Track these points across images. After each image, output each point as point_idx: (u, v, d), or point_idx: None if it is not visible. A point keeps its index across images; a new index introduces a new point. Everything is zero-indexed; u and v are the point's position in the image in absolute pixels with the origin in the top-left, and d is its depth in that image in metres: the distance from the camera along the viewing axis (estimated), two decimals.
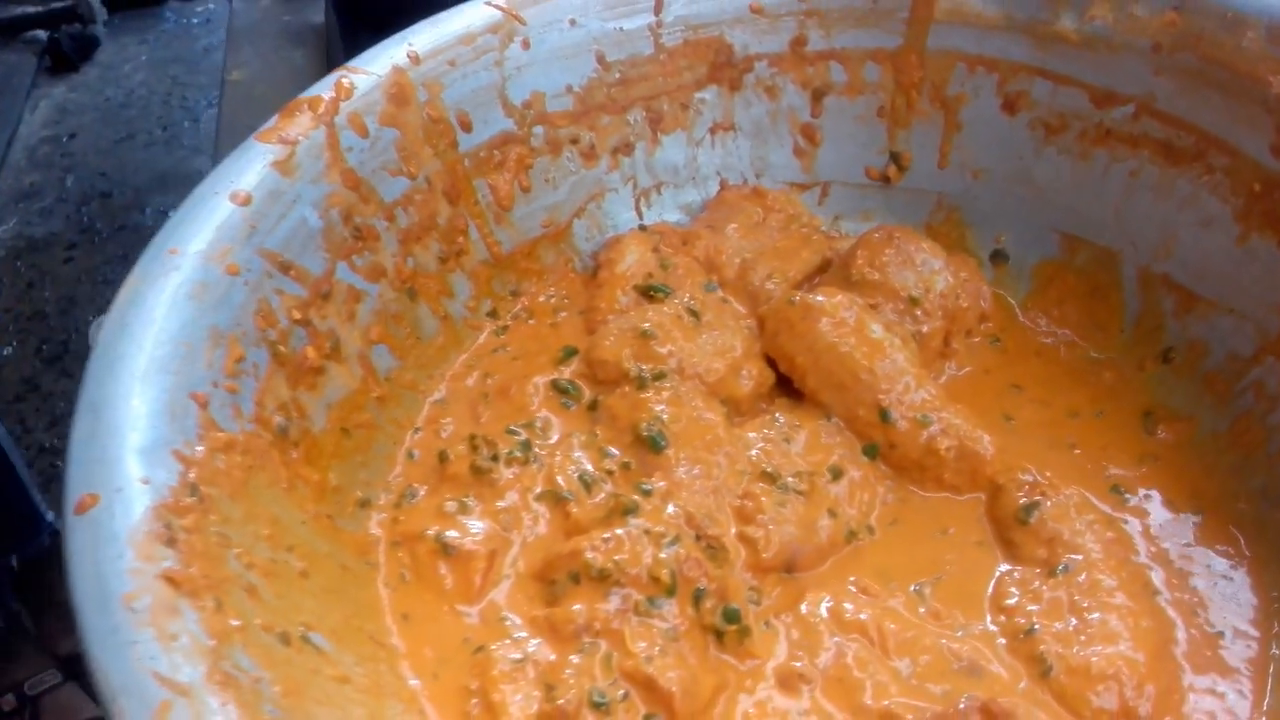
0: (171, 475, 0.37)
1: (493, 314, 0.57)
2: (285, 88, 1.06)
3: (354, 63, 0.53)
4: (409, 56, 0.54)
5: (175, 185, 3.07)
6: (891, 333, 0.51)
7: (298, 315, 0.47)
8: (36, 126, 3.38)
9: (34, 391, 2.50)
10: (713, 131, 0.61)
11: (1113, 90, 0.54)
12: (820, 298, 0.52)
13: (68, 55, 3.75)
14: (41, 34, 3.83)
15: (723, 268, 0.57)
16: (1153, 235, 0.54)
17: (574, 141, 0.59)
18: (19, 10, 3.77)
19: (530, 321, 0.57)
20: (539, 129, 0.58)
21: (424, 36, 0.54)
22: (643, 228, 0.60)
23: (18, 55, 3.66)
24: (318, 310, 0.48)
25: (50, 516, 1.65)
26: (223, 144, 0.99)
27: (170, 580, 0.34)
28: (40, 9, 3.81)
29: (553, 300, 0.58)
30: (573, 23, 0.57)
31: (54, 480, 2.23)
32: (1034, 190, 0.58)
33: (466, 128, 0.55)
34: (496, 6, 0.56)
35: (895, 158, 0.61)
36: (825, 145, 0.62)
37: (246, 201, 0.46)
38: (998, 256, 0.59)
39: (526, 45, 0.56)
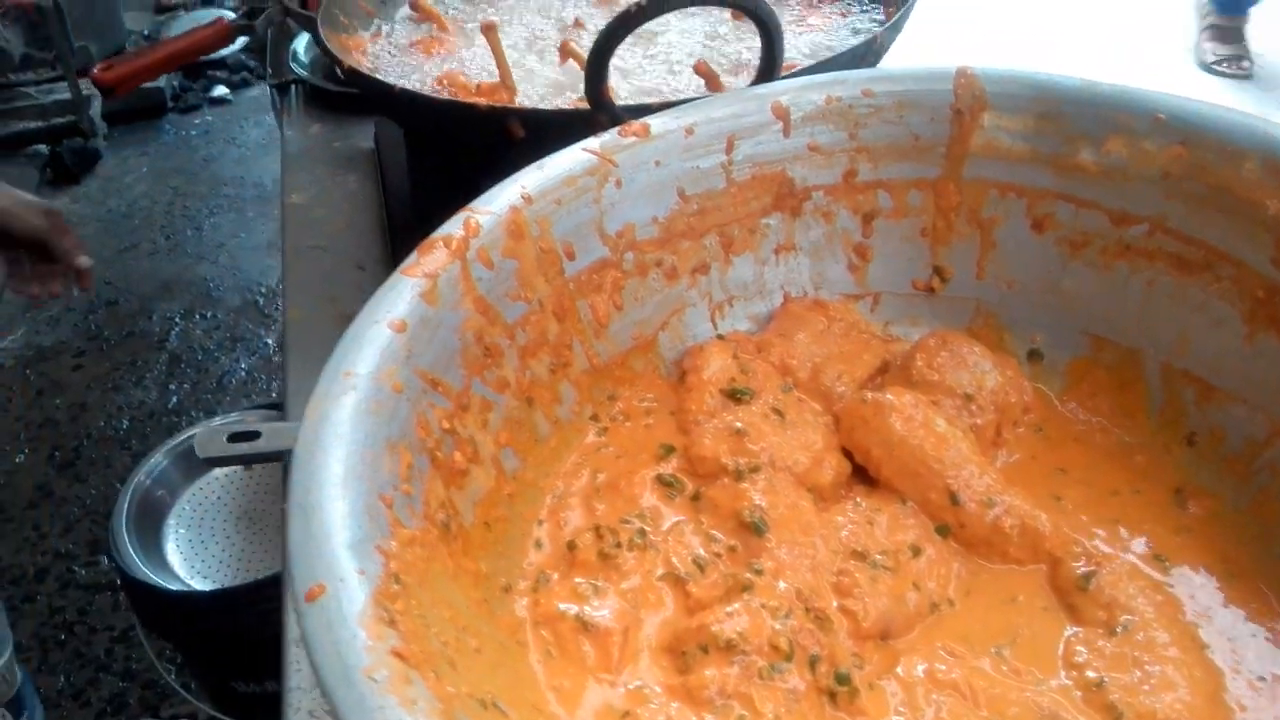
0: (378, 567, 0.44)
1: (594, 417, 0.64)
2: (342, 209, 1.15)
3: (476, 204, 0.61)
4: (522, 198, 0.62)
5: (180, 292, 3.17)
6: (954, 426, 0.59)
7: (446, 425, 0.54)
8: None
9: (47, 498, 2.55)
10: (777, 252, 0.70)
11: (1128, 212, 0.63)
12: (890, 397, 0.59)
13: (69, 168, 3.86)
14: (43, 148, 3.94)
15: (796, 371, 0.65)
16: (1171, 335, 0.62)
17: (659, 264, 0.67)
18: (20, 125, 3.90)
19: (627, 423, 0.65)
20: (630, 255, 0.66)
21: (533, 179, 0.63)
22: (720, 337, 0.68)
23: (20, 169, 3.78)
24: (460, 420, 0.56)
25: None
26: (290, 263, 1.06)
27: (399, 655, 0.40)
28: (42, 124, 3.95)
29: (645, 404, 0.66)
30: (657, 164, 0.66)
31: (69, 585, 2.26)
32: (1063, 298, 0.66)
33: (571, 256, 0.63)
34: (593, 152, 0.64)
35: (938, 271, 0.69)
36: (875, 261, 0.70)
37: (402, 329, 0.53)
38: (1034, 355, 0.67)
39: (619, 185, 0.65)
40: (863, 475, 0.61)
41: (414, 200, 1.11)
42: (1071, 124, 0.64)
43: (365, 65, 0.96)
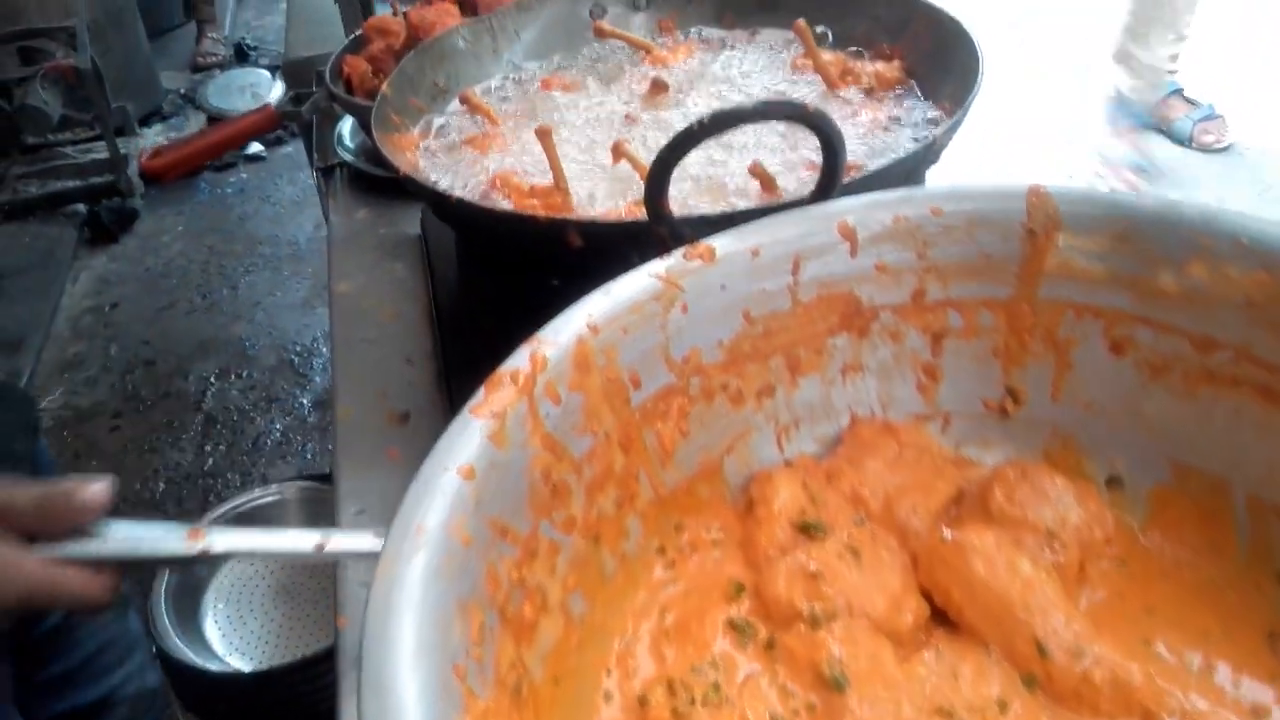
0: None
1: (661, 550, 0.63)
2: (390, 299, 1.15)
3: (542, 334, 0.60)
4: (589, 327, 0.60)
5: (216, 351, 3.19)
6: (1037, 567, 0.57)
7: (515, 575, 0.53)
8: (79, 297, 3.53)
9: None
10: (844, 372, 0.68)
11: (1212, 338, 0.61)
12: (972, 538, 0.57)
13: (108, 227, 3.91)
14: (81, 207, 3.99)
15: (868, 502, 0.63)
16: (1258, 466, 0.60)
17: (724, 388, 0.66)
18: (59, 185, 3.96)
19: (694, 556, 0.63)
20: (695, 380, 0.65)
21: (600, 307, 0.61)
22: (788, 463, 0.67)
23: (59, 229, 3.84)
24: (528, 568, 0.54)
25: None
26: (339, 358, 1.05)
27: None
28: (80, 183, 4.01)
29: (712, 535, 0.64)
30: (723, 287, 0.64)
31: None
32: (1144, 422, 0.64)
33: (637, 385, 0.62)
34: (659, 277, 0.63)
35: (1011, 392, 0.67)
36: (945, 381, 0.68)
37: (471, 475, 0.52)
38: (1113, 482, 0.65)
39: (685, 309, 0.63)
40: (944, 618, 0.59)
41: (462, 290, 1.10)
42: (1151, 246, 0.62)
43: (419, 165, 0.95)
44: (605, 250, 0.79)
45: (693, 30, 1.14)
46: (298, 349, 3.16)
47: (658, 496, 0.63)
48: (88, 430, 2.95)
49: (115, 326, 3.37)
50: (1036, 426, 0.67)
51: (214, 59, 4.68)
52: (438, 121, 1.03)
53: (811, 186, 0.70)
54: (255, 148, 4.20)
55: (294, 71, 1.56)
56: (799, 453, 0.68)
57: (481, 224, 0.82)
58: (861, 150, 0.91)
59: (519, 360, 0.59)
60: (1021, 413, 0.67)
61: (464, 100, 1.02)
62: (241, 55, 4.83)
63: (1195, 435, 0.63)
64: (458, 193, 0.89)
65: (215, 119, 4.22)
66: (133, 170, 3.86)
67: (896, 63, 1.01)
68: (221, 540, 0.63)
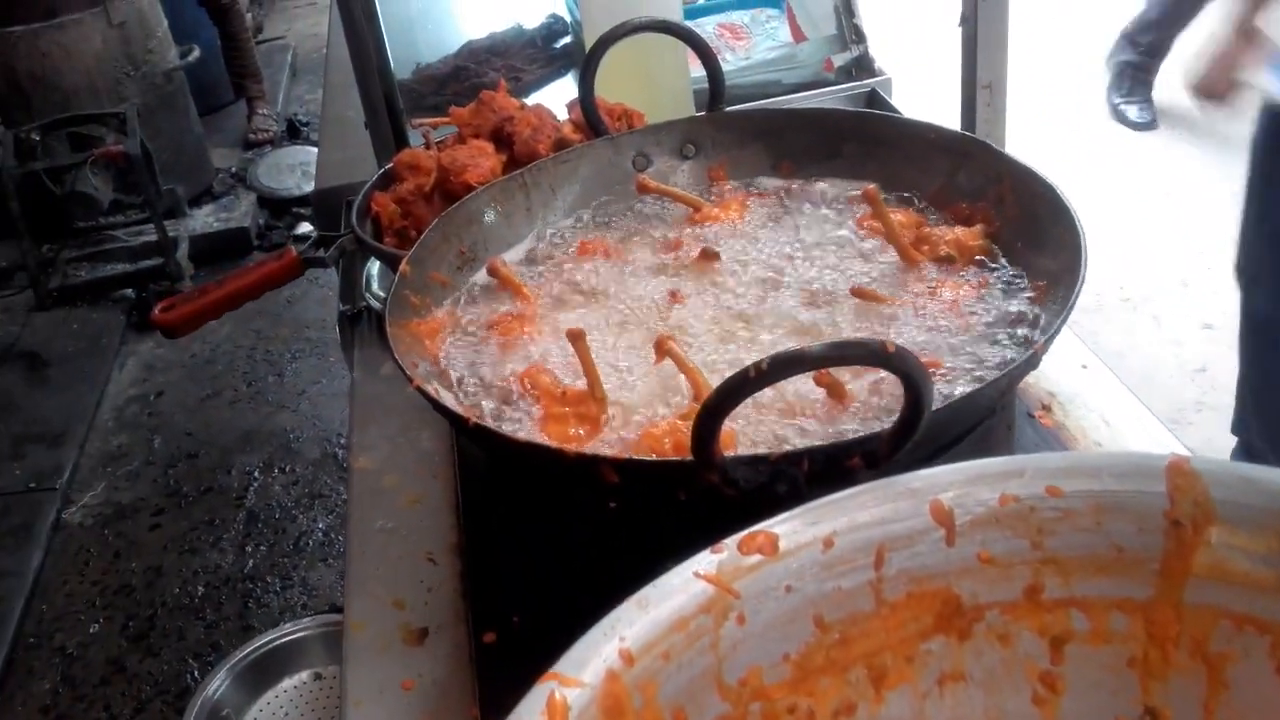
0: None
1: None
2: (414, 476, 1.04)
3: (562, 667, 0.48)
4: (621, 656, 0.49)
5: (260, 444, 3.12)
6: None
7: None
8: (125, 385, 3.50)
9: (119, 673, 2.47)
10: (941, 682, 0.56)
11: None
12: None
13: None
14: (130, 291, 3.98)
15: None
16: None
17: (792, 711, 0.53)
18: (108, 269, 3.95)
19: None
20: (756, 705, 0.52)
21: (635, 629, 0.50)
22: None
23: (107, 314, 3.82)
24: None
25: None
26: (354, 551, 0.95)
27: None
28: (129, 267, 3.99)
29: None
30: (789, 589, 0.53)
31: None
32: None
33: None
34: (709, 579, 0.51)
35: (1151, 712, 0.54)
36: (1068, 694, 0.55)
37: None
38: None
39: (741, 621, 0.52)
40: None
41: (491, 466, 1.00)
42: None
43: (440, 357, 0.85)
44: (646, 484, 0.68)
45: (746, 181, 1.03)
46: (341, 441, 3.08)
47: None
48: (128, 528, 2.89)
49: (159, 416, 3.32)
50: None
51: (265, 135, 4.68)
52: (463, 300, 0.92)
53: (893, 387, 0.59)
54: (305, 227, 4.18)
55: (324, 201, 1.48)
56: None
57: (507, 453, 0.71)
58: (939, 341, 0.79)
59: (533, 706, 0.47)
60: None
61: (492, 272, 0.92)
62: (294, 131, 4.83)
63: None
64: (480, 390, 0.78)
65: (265, 199, 4.20)
66: (182, 253, 3.85)
67: (979, 227, 0.89)
68: None
